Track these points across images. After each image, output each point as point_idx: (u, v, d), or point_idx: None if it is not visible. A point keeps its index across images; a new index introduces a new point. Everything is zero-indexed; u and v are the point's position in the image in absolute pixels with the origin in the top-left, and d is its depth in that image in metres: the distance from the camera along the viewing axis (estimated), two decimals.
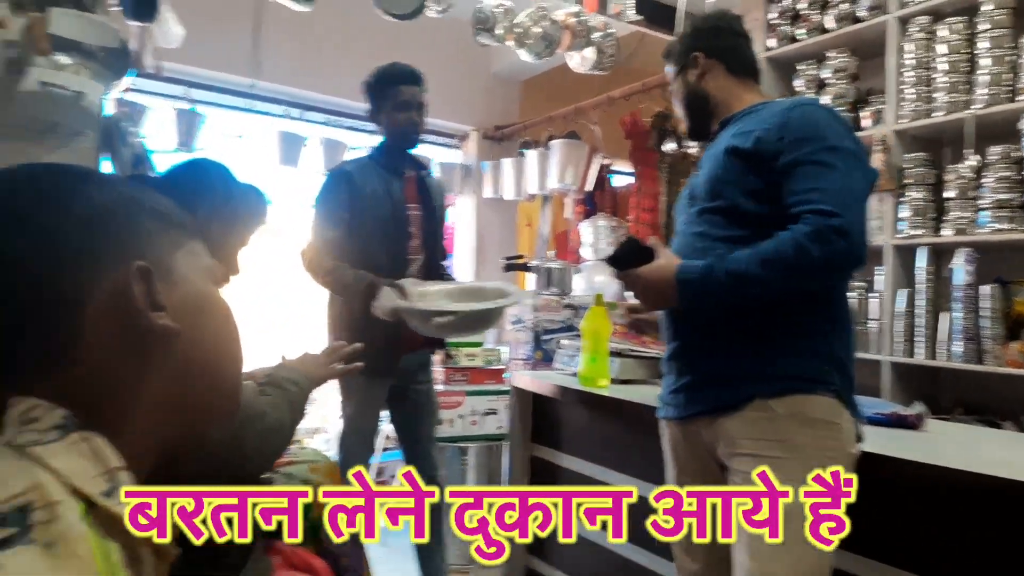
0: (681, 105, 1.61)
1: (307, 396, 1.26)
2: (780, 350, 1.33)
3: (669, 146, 3.67)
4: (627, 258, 1.41)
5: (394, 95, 2.30)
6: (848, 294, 1.57)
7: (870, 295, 2.70)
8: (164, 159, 3.21)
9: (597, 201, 4.21)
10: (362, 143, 4.02)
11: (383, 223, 2.31)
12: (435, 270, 2.44)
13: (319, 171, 3.88)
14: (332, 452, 4.00)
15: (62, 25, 1.62)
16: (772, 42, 3.12)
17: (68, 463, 0.47)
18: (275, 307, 4.82)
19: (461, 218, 4.86)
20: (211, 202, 1.27)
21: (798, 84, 3.04)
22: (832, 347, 1.34)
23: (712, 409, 1.37)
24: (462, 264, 4.78)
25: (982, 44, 2.41)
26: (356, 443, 2.35)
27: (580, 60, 3.18)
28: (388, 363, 2.30)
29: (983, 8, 2.40)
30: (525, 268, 3.11)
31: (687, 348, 1.45)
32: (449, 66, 4.12)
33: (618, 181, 4.56)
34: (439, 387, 2.88)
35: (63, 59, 1.66)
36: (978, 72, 2.42)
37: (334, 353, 1.37)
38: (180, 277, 0.58)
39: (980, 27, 2.42)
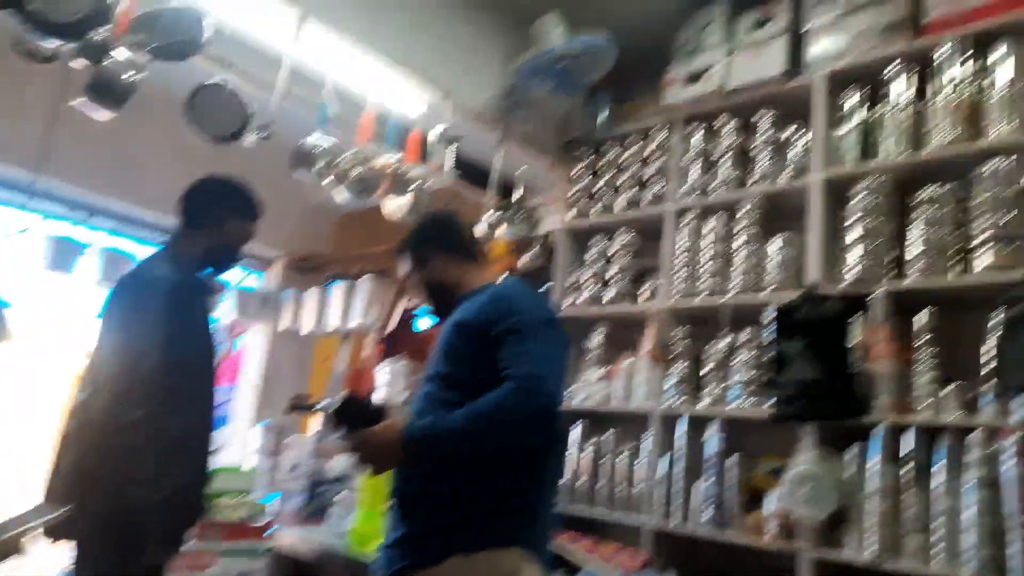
0: (424, 293, 1.88)
1: None
2: (478, 507, 1.48)
3: None
4: (351, 417, 1.51)
5: (243, 225, 2.20)
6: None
7: (636, 460, 2.85)
8: None
9: (399, 343, 4.20)
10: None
11: (206, 353, 2.09)
12: None
13: (97, 281, 3.53)
14: None
15: None
16: (571, 215, 3.45)
17: None
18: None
19: (251, 348, 4.61)
20: None
21: (589, 255, 3.35)
22: (528, 503, 1.53)
23: (413, 565, 1.48)
24: (244, 398, 4.47)
25: (737, 241, 2.81)
26: None
27: (396, 207, 3.27)
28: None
29: (739, 211, 2.82)
30: (311, 409, 2.92)
31: (398, 504, 1.58)
32: (264, 187, 4.00)
33: (422, 325, 4.60)
34: (189, 545, 2.44)
35: None
36: (733, 265, 2.80)
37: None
38: None
39: (737, 227, 2.83)
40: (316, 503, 2.89)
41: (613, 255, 3.25)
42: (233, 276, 4.59)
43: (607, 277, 3.23)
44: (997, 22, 2.34)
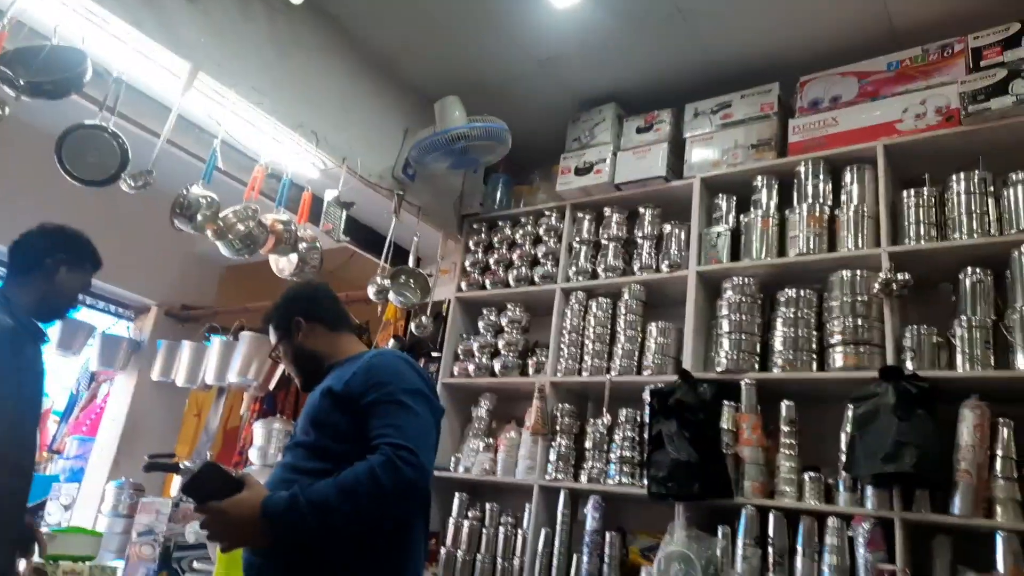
0: (292, 364, 1.82)
1: None
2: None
3: None
4: (208, 486, 1.39)
5: (76, 276, 2.11)
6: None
7: (519, 531, 2.85)
8: None
9: (279, 402, 4.04)
10: None
11: (35, 402, 1.99)
12: None
13: None
14: None
15: None
16: (464, 285, 3.47)
17: None
18: None
19: (116, 398, 4.30)
20: None
21: (481, 325, 3.37)
22: (401, 570, 1.49)
23: None
24: (103, 451, 4.15)
25: (620, 324, 2.91)
26: None
27: (283, 264, 3.17)
28: None
29: (623, 296, 2.94)
30: (172, 469, 2.74)
31: None
32: (144, 233, 3.79)
33: None
34: None
35: None
36: (616, 345, 2.90)
37: None
38: None
39: (620, 310, 2.94)
40: (169, 572, 2.67)
41: (503, 328, 3.28)
42: (101, 322, 4.31)
43: (497, 348, 3.26)
44: (843, 151, 2.62)
